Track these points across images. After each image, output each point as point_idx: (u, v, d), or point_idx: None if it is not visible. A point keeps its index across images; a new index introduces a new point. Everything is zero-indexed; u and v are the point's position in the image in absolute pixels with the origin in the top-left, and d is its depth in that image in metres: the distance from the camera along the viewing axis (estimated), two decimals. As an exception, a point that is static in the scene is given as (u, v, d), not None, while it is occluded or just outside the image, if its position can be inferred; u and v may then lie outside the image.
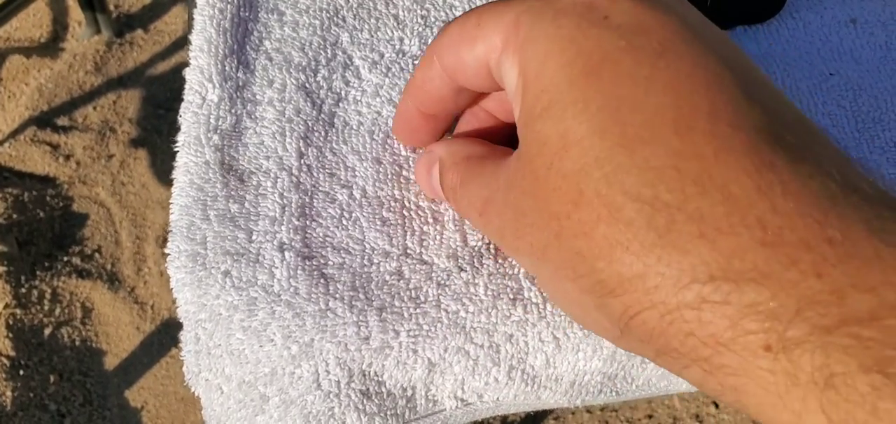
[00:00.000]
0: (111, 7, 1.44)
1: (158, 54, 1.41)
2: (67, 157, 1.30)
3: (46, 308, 1.17)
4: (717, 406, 1.14)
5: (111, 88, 1.37)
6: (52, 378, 1.12)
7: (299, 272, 0.29)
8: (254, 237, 0.29)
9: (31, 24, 1.43)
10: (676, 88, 0.20)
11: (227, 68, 0.33)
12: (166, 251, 0.29)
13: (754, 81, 0.21)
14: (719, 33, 0.23)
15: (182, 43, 1.41)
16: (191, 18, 0.34)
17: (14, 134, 1.31)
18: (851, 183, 0.19)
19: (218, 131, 0.31)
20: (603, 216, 0.20)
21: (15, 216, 1.23)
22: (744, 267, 0.18)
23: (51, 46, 1.41)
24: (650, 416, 1.14)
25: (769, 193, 0.19)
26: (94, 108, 1.35)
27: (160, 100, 1.36)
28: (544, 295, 0.29)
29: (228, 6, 0.34)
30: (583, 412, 1.14)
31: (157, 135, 1.32)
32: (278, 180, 0.31)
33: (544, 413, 1.14)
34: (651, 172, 0.20)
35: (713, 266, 0.18)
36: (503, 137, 0.30)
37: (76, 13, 1.43)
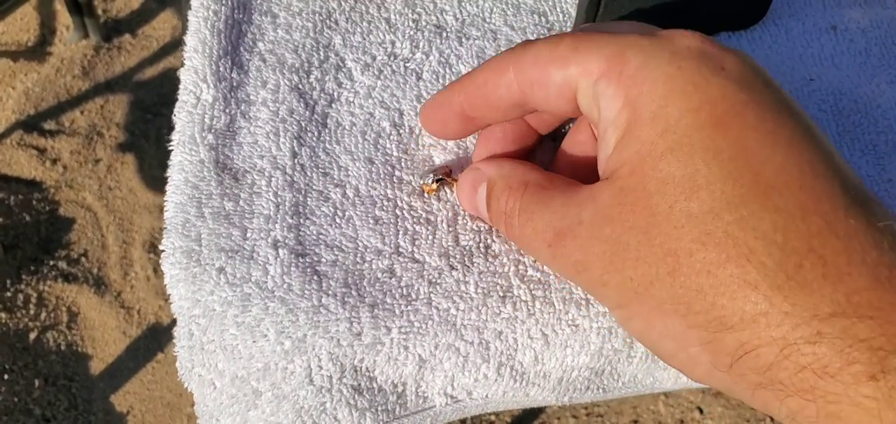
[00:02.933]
0: (99, 11, 1.44)
1: (146, 59, 1.41)
2: (54, 161, 1.29)
3: (32, 312, 1.17)
4: (701, 411, 1.15)
5: (98, 93, 1.37)
6: (36, 383, 1.12)
7: (293, 269, 0.29)
8: (248, 234, 0.30)
9: (18, 27, 1.43)
10: (796, 146, 0.22)
11: (221, 69, 0.33)
12: (161, 247, 0.30)
13: (832, 146, 0.24)
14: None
15: (170, 48, 1.41)
16: (183, 22, 0.34)
17: (0, 138, 1.31)
18: None
19: (212, 130, 0.32)
20: (732, 256, 0.21)
21: (1, 219, 1.23)
22: (860, 304, 0.20)
23: (38, 50, 1.41)
24: (635, 421, 1.15)
25: (880, 245, 0.21)
26: (82, 113, 1.34)
27: (148, 104, 1.36)
28: (533, 293, 0.29)
29: (223, 8, 0.34)
30: (569, 417, 1.15)
31: (144, 139, 1.32)
32: (272, 179, 0.31)
33: (531, 417, 1.15)
34: (782, 219, 0.21)
35: (834, 304, 0.20)
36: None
37: (64, 17, 1.42)
